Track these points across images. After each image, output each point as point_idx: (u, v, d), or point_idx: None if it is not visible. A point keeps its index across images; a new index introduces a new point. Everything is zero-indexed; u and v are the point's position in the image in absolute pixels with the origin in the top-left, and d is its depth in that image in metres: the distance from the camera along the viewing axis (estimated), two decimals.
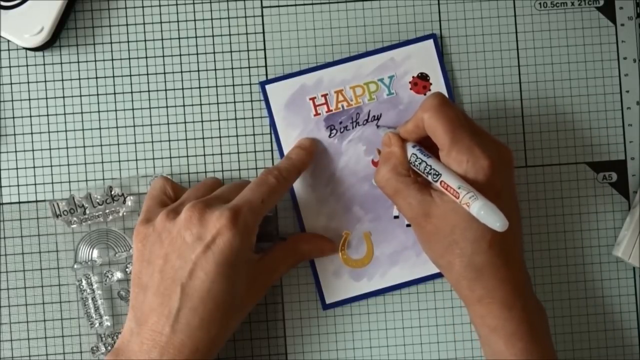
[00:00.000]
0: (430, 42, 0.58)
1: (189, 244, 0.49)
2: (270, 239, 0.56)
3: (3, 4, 0.55)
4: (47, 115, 0.58)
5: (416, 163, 0.52)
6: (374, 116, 0.58)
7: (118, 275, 0.57)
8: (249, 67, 0.58)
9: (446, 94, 0.57)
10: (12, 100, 0.58)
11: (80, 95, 0.58)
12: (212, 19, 0.58)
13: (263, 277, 0.53)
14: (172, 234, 0.50)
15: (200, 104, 0.58)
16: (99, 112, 0.58)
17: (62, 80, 0.58)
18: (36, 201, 0.57)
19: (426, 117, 0.51)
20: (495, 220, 0.47)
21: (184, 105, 0.58)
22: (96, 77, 0.58)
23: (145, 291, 0.50)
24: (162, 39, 0.58)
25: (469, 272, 0.50)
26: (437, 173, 0.50)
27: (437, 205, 0.51)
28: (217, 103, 0.58)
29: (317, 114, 0.58)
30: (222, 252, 0.49)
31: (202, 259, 0.49)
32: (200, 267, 0.49)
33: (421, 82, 0.58)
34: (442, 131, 0.50)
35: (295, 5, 0.58)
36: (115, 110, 0.58)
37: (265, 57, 0.58)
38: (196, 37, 0.58)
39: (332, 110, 0.58)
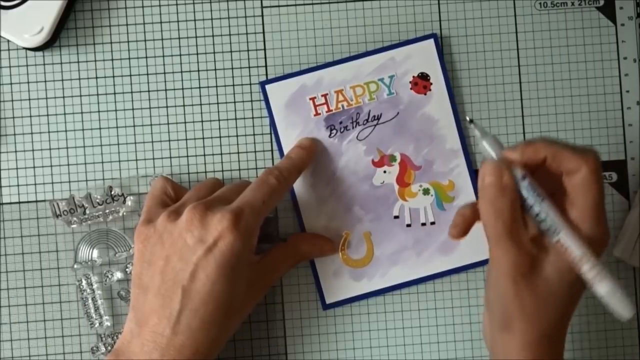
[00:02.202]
0: (431, 41, 0.58)
1: (190, 246, 0.49)
2: (271, 240, 0.56)
3: (3, 4, 0.55)
4: (47, 115, 0.58)
5: (525, 202, 0.45)
6: (374, 116, 0.58)
7: (118, 275, 0.57)
8: (249, 67, 0.58)
9: (447, 94, 0.57)
10: (12, 100, 0.58)
11: (80, 95, 0.58)
12: (212, 19, 0.58)
13: (263, 278, 0.54)
14: (173, 236, 0.50)
15: (200, 104, 0.58)
16: (99, 112, 0.58)
17: (62, 80, 0.58)
18: (36, 201, 0.57)
19: (589, 170, 0.44)
20: (624, 308, 0.42)
21: (184, 105, 0.58)
22: (96, 77, 0.58)
23: (146, 292, 0.50)
24: (162, 39, 0.58)
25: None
26: (554, 229, 0.44)
27: (550, 262, 0.45)
28: (217, 103, 0.58)
29: (317, 113, 0.58)
30: (224, 254, 0.49)
31: (203, 261, 0.49)
32: (201, 269, 0.49)
33: (421, 81, 0.58)
34: (597, 193, 0.44)
35: (295, 5, 0.58)
36: (115, 110, 0.58)
37: (265, 57, 0.58)
38: (196, 37, 0.58)
39: (332, 110, 0.58)
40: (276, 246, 0.55)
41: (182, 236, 0.49)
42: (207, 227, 0.49)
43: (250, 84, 0.58)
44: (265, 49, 0.58)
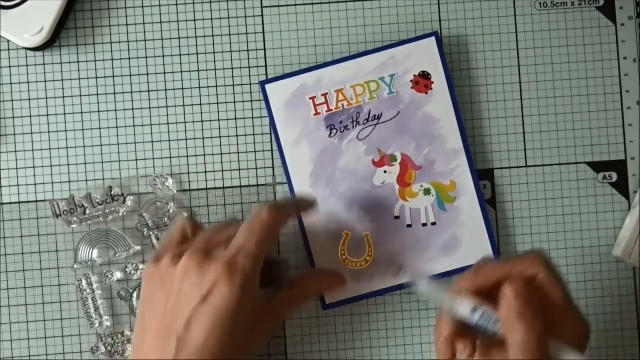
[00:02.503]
0: (432, 40, 0.57)
1: (187, 294, 0.48)
2: (276, 285, 0.53)
3: (3, 4, 0.55)
4: (47, 115, 0.58)
5: (486, 332, 0.46)
6: (375, 115, 0.58)
7: (118, 275, 0.57)
8: (249, 67, 0.58)
9: (448, 93, 0.57)
10: (12, 100, 0.58)
11: (80, 95, 0.58)
12: (212, 19, 0.58)
13: (268, 321, 0.52)
14: (173, 280, 0.49)
15: (200, 104, 0.58)
16: (99, 112, 0.58)
17: (62, 80, 0.58)
18: (36, 201, 0.57)
19: (547, 273, 0.47)
20: None
21: (184, 105, 0.58)
22: (96, 77, 0.58)
23: (146, 332, 0.49)
24: (162, 39, 0.58)
25: None
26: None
27: None
28: (217, 103, 0.58)
29: (317, 113, 0.58)
30: (218, 307, 0.47)
31: (199, 310, 0.47)
32: (195, 320, 0.47)
33: (423, 80, 0.58)
34: (563, 287, 0.47)
35: (295, 5, 0.58)
36: (115, 110, 0.58)
37: (265, 57, 0.58)
38: (196, 37, 0.58)
39: (332, 110, 0.58)
40: (283, 290, 0.53)
41: (181, 282, 0.48)
42: (203, 276, 0.48)
43: (250, 84, 0.58)
44: (265, 49, 0.58)
